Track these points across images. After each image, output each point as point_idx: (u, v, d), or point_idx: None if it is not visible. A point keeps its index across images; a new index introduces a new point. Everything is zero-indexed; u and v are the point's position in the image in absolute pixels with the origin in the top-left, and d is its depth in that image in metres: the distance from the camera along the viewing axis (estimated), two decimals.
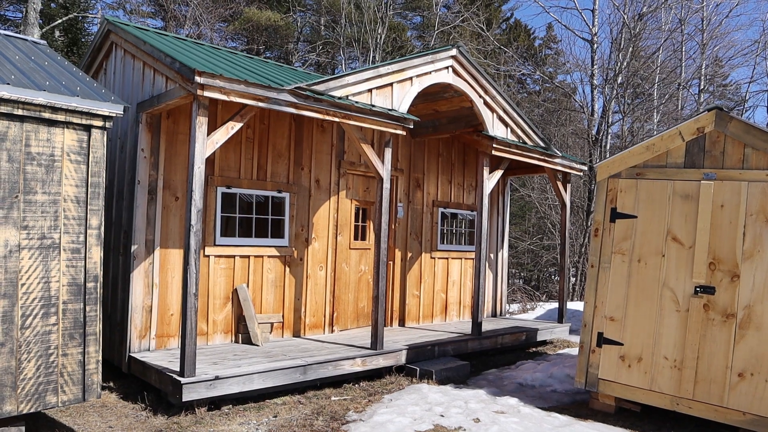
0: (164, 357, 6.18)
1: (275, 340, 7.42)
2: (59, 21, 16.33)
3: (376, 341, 6.99)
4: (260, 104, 5.83)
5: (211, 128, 6.42)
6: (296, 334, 7.78)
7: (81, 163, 4.63)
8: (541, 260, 23.25)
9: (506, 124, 8.80)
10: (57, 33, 16.48)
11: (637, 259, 5.93)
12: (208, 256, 6.91)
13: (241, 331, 7.14)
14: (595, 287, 6.15)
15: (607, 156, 19.43)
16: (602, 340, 6.03)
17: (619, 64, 19.17)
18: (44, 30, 15.83)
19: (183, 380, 5.28)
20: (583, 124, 23.38)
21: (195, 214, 5.43)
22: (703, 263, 5.56)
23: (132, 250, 6.37)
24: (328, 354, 6.64)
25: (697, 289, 5.56)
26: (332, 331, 8.17)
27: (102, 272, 4.73)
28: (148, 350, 6.49)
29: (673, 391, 5.60)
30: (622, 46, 19.26)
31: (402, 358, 7.23)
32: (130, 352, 6.34)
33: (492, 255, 10.91)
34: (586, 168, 10.56)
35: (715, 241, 5.52)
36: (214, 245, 6.95)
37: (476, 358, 8.51)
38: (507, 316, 11.53)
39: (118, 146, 6.98)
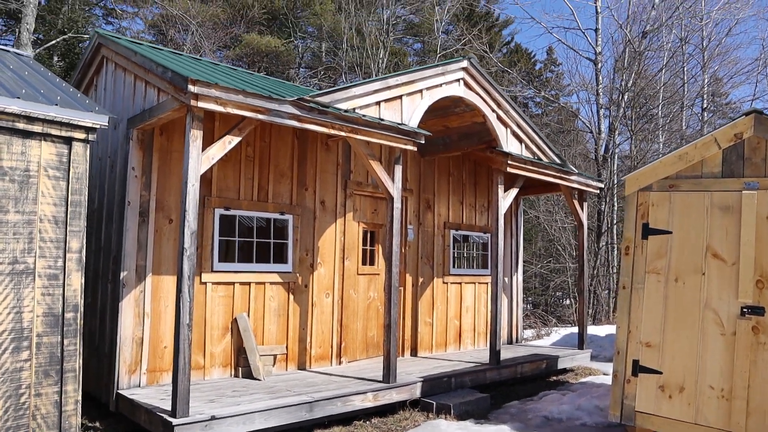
0: (156, 394, 5.62)
1: (279, 374, 6.85)
2: (52, 42, 16.02)
3: (389, 373, 6.42)
4: (260, 116, 5.38)
5: (207, 144, 5.95)
6: (301, 366, 7.21)
7: (60, 179, 4.15)
8: (550, 284, 22.65)
9: (520, 140, 8.34)
10: (55, 58, 16.23)
11: (674, 278, 5.40)
12: (205, 283, 6.39)
13: (242, 364, 6.58)
14: (628, 310, 5.61)
15: (615, 177, 18.99)
16: (638, 368, 5.47)
17: (624, 83, 18.83)
18: (38, 51, 15.55)
19: (174, 421, 4.71)
20: (588, 145, 22.99)
21: (189, 236, 4.93)
22: (749, 281, 5.03)
23: (121, 277, 5.85)
24: (337, 389, 6.08)
25: (744, 309, 5.03)
26: (340, 363, 7.60)
27: (83, 301, 4.22)
28: (139, 386, 5.92)
29: (722, 424, 5.03)
30: (626, 65, 18.95)
31: (417, 392, 6.65)
32: (118, 388, 5.78)
33: (506, 279, 10.37)
34: (603, 185, 10.09)
35: (761, 256, 5.00)
36: (212, 271, 6.44)
37: (495, 389, 7.90)
38: (523, 342, 10.93)
39: (108, 165, 6.51)
